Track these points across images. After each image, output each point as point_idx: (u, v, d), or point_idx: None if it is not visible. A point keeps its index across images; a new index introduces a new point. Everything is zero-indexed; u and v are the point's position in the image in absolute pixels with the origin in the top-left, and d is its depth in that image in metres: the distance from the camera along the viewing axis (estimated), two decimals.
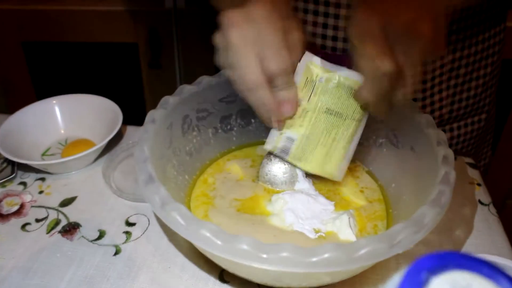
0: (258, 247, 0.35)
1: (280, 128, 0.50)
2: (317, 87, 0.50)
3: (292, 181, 0.55)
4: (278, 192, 0.54)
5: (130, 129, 0.71)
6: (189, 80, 0.56)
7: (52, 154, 0.66)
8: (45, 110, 0.68)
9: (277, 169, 0.56)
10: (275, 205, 0.52)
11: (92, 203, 0.59)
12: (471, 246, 0.54)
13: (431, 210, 0.39)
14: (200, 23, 1.26)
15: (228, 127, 0.61)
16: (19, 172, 0.63)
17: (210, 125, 0.59)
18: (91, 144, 0.65)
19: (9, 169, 0.63)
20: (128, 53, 1.33)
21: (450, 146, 0.75)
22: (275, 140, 0.51)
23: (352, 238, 0.48)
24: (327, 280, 0.44)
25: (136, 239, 0.54)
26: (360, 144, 0.59)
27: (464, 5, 0.62)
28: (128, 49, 1.32)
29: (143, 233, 0.54)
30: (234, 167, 0.58)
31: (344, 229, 0.48)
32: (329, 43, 0.66)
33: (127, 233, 0.54)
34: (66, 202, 0.59)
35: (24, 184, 0.62)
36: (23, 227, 0.55)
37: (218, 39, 0.46)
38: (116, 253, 0.52)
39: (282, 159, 0.53)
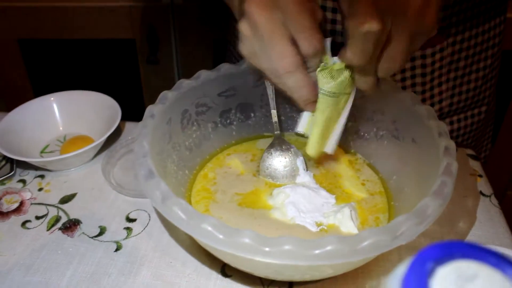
0: (260, 241, 0.34)
1: (312, 109, 0.49)
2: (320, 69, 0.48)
3: (293, 174, 0.55)
4: (279, 186, 0.54)
5: (129, 125, 0.71)
6: (187, 75, 0.56)
7: (51, 151, 0.66)
8: (43, 107, 0.68)
9: (277, 162, 0.55)
10: (276, 199, 0.51)
11: (92, 199, 0.58)
12: (474, 237, 0.54)
13: (434, 201, 0.39)
14: (197, 18, 1.25)
15: (228, 121, 0.61)
16: (18, 170, 0.63)
17: (210, 119, 0.59)
18: (90, 140, 0.65)
19: (8, 166, 0.63)
20: (125, 49, 1.33)
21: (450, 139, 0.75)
22: (307, 123, 0.50)
23: (354, 230, 0.48)
24: (329, 273, 0.44)
25: (137, 235, 0.53)
26: (361, 137, 0.59)
27: None
28: (125, 45, 1.32)
29: (144, 228, 0.54)
30: (235, 161, 0.58)
31: (346, 222, 0.48)
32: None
33: (128, 229, 0.54)
34: (66, 199, 0.58)
35: (23, 181, 0.62)
36: (23, 224, 0.55)
37: (243, 27, 0.44)
38: (117, 249, 0.52)
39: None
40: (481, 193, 0.59)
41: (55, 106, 0.68)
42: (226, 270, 0.49)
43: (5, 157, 0.63)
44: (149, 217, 0.55)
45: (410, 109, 0.51)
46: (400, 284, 0.20)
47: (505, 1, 0.69)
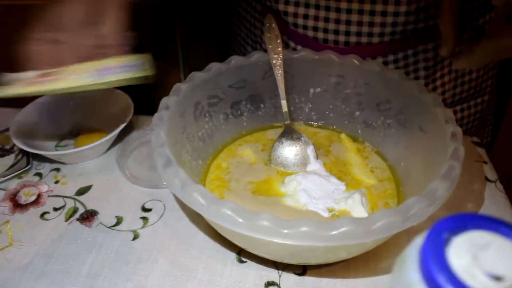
0: (278, 223, 0.36)
1: None
2: None
3: (303, 163, 0.57)
4: (290, 174, 0.56)
5: (141, 119, 0.72)
6: (192, 70, 0.57)
7: (65, 145, 0.68)
8: (58, 102, 0.69)
9: (288, 151, 0.57)
10: (288, 186, 0.53)
11: (108, 190, 0.60)
12: None
13: (442, 184, 0.40)
14: (202, 15, 1.26)
15: (239, 112, 0.62)
16: (34, 163, 0.65)
17: (221, 110, 0.61)
18: (103, 134, 0.66)
19: (24, 160, 0.64)
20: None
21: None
22: None
23: (365, 215, 0.49)
24: (343, 256, 0.45)
25: (153, 224, 0.55)
26: (368, 125, 0.61)
27: None
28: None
29: (160, 218, 0.56)
30: (246, 151, 0.60)
31: (356, 207, 0.50)
32: (330, 36, 0.66)
33: (144, 218, 0.56)
34: (82, 191, 0.60)
35: (39, 174, 0.63)
36: (42, 215, 0.57)
37: None
38: (135, 238, 0.53)
39: None
40: (486, 179, 0.61)
41: (70, 101, 0.70)
42: (241, 256, 0.50)
43: (21, 151, 0.65)
44: (164, 207, 0.57)
45: (417, 97, 0.53)
46: (418, 252, 0.22)
47: None
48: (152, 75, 0.48)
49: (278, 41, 0.60)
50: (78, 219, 0.56)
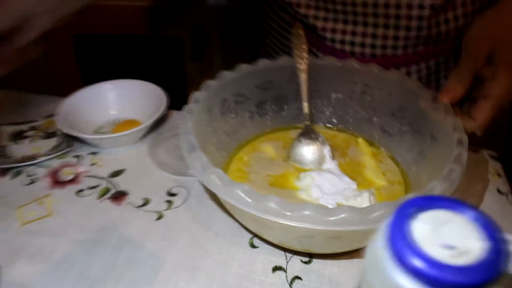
0: (283, 205, 0.40)
1: None
2: None
3: (319, 161, 0.60)
4: (306, 170, 0.60)
5: (174, 113, 0.78)
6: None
7: (104, 132, 0.74)
8: (99, 92, 0.76)
9: (306, 150, 0.61)
10: (303, 181, 0.57)
11: (138, 175, 0.65)
12: None
13: (441, 184, 0.43)
14: (240, 19, 1.32)
15: (263, 111, 0.67)
16: (75, 146, 0.71)
17: (247, 109, 0.65)
18: (138, 124, 0.72)
19: (65, 143, 0.71)
20: (172, 46, 1.41)
21: (473, 142, 0.78)
22: None
23: None
24: (346, 246, 0.49)
25: (176, 207, 0.60)
26: (385, 131, 0.64)
27: None
28: (173, 42, 1.40)
29: (183, 203, 0.60)
30: (268, 148, 0.64)
31: (364, 204, 0.53)
32: (357, 49, 0.70)
33: (169, 202, 0.61)
34: (116, 173, 0.66)
35: (78, 157, 0.69)
36: (78, 192, 0.62)
37: None
38: (159, 218, 0.58)
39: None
40: (498, 191, 0.63)
41: (109, 92, 0.76)
42: (254, 242, 0.55)
43: (63, 135, 0.71)
44: (188, 193, 0.62)
45: (431, 105, 0.56)
46: (388, 223, 0.25)
47: None
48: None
49: (304, 47, 0.64)
50: (109, 198, 0.61)
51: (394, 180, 0.59)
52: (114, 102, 0.76)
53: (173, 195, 0.62)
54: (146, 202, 0.61)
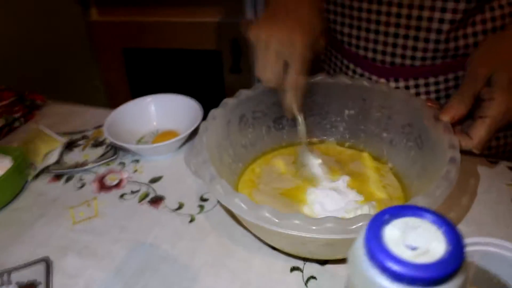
0: (275, 214, 0.45)
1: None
2: None
3: (325, 176, 0.65)
4: (313, 186, 0.64)
5: None
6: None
7: (145, 142, 0.81)
8: (141, 106, 0.83)
9: (311, 166, 0.65)
10: (308, 197, 0.61)
11: (175, 181, 0.72)
12: (497, 237, 0.60)
13: (424, 199, 0.46)
14: None
15: (280, 126, 0.72)
16: (120, 155, 0.79)
17: (264, 123, 0.70)
18: (176, 134, 0.79)
19: (112, 151, 0.79)
20: (212, 59, 1.48)
21: (496, 154, 0.80)
22: None
23: None
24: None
25: (207, 211, 0.66)
26: (393, 146, 0.68)
27: None
28: (212, 55, 1.48)
29: (213, 207, 0.67)
30: (279, 162, 0.69)
31: None
32: (378, 56, 0.75)
33: (201, 206, 0.67)
34: (155, 180, 0.73)
35: (123, 164, 0.77)
36: (121, 196, 0.70)
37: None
38: (191, 220, 0.65)
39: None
40: None
41: (151, 106, 0.84)
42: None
43: (110, 144, 0.79)
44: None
45: (432, 123, 0.58)
46: (366, 227, 0.30)
47: None
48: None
49: None
50: (148, 201, 0.68)
51: (394, 195, 0.62)
52: (155, 114, 0.84)
53: (205, 200, 0.68)
54: (180, 206, 0.67)
